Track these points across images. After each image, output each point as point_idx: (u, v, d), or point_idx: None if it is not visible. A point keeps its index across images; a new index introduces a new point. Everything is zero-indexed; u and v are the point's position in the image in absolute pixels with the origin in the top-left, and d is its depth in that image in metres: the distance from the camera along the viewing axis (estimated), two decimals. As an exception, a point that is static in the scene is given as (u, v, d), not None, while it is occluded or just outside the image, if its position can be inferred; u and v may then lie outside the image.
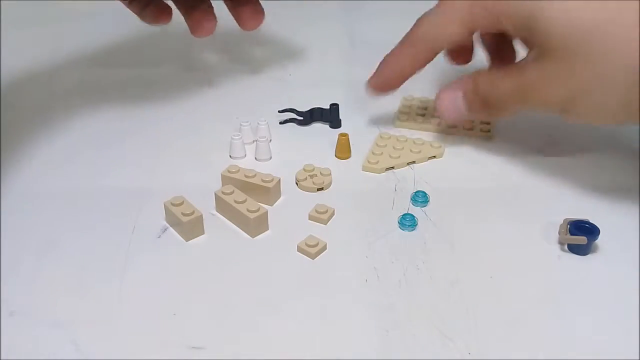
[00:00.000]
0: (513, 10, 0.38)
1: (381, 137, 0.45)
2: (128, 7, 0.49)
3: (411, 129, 0.48)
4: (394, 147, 0.44)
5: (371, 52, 0.60)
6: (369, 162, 0.43)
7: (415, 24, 0.43)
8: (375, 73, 0.45)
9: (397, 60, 0.44)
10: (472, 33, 0.41)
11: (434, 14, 0.42)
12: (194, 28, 0.48)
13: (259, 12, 0.49)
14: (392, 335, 0.31)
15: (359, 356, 0.30)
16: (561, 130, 0.47)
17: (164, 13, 0.48)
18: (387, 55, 0.44)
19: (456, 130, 0.47)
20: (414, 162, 0.43)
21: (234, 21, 0.50)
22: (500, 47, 0.46)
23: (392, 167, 0.43)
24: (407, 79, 0.44)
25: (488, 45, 0.47)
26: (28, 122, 0.48)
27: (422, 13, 0.42)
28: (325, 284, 0.34)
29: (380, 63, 0.45)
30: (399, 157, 0.43)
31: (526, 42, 0.40)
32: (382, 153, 0.43)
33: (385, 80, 0.45)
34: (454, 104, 0.42)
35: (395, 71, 0.44)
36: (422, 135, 0.46)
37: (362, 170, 0.43)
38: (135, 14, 0.49)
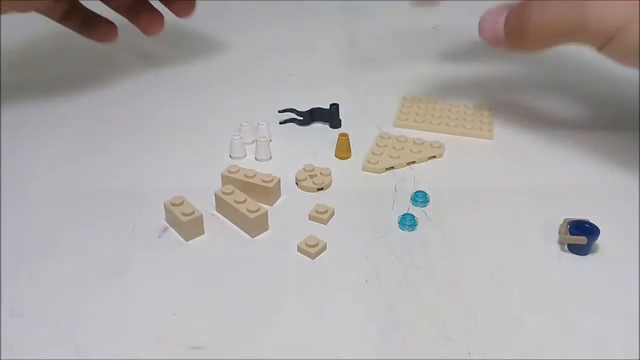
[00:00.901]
0: None
1: (381, 137, 0.45)
2: (64, 25, 0.49)
3: (411, 128, 0.48)
4: (393, 147, 0.44)
5: (371, 52, 0.61)
6: (368, 162, 0.43)
7: None
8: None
9: None
10: None
11: None
12: (146, 28, 0.50)
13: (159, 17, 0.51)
14: (392, 335, 0.31)
15: (359, 356, 0.30)
16: (561, 131, 0.47)
17: (111, 29, 0.50)
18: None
19: (456, 130, 0.47)
20: (414, 162, 0.43)
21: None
22: None
23: (392, 167, 0.43)
24: None
25: None
26: (28, 122, 0.48)
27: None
28: (325, 284, 0.34)
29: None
30: (399, 157, 0.43)
31: None
32: (382, 153, 0.43)
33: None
34: (495, 25, 0.41)
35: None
36: (422, 135, 0.46)
37: (362, 170, 0.43)
38: (75, 31, 0.50)
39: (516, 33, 0.40)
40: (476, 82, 0.55)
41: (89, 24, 0.50)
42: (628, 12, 0.36)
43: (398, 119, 0.48)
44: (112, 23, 0.50)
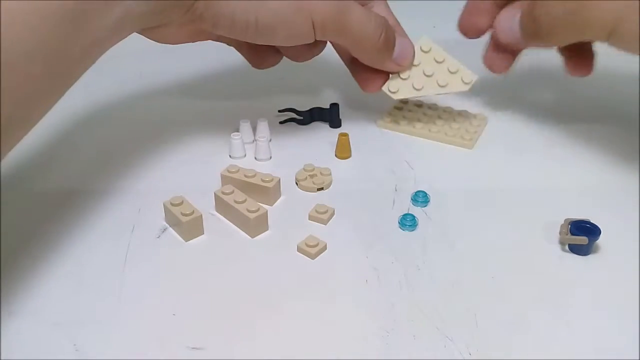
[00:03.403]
0: None
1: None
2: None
3: (393, 130, 0.47)
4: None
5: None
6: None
7: None
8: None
9: None
10: None
11: None
12: (256, 63, 0.46)
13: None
14: (392, 335, 0.31)
15: (359, 356, 0.30)
16: (560, 131, 0.47)
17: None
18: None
19: (437, 137, 0.46)
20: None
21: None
22: None
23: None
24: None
25: None
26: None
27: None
28: (325, 284, 0.34)
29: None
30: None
31: None
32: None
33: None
34: (510, 25, 0.43)
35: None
36: (406, 138, 0.46)
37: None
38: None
39: (531, 32, 0.42)
40: (479, 85, 0.55)
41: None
42: (625, 3, 0.36)
43: (382, 120, 0.48)
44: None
